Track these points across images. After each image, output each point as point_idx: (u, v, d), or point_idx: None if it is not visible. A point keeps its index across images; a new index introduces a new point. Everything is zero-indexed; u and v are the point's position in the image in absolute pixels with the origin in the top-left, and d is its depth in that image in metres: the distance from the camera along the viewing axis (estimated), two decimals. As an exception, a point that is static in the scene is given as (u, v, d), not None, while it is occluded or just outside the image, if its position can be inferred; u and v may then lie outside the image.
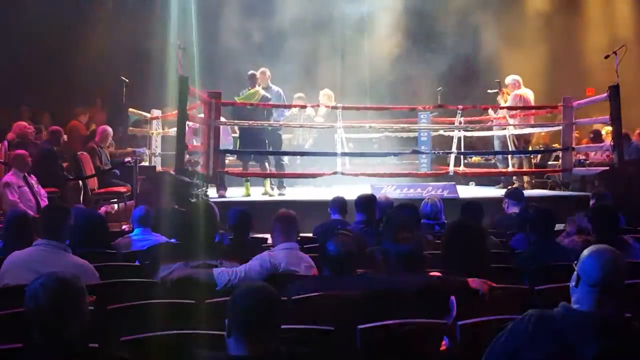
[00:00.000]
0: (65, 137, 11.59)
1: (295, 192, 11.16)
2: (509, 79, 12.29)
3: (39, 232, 4.82)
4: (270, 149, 11.02)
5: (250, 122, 10.75)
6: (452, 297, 4.09)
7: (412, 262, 4.24)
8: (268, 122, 11.00)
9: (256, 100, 10.85)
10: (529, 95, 12.06)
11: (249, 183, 11.02)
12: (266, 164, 11.16)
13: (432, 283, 4.18)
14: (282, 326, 2.83)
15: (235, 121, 11.07)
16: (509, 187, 10.63)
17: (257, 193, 11.08)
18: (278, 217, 5.00)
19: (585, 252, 2.88)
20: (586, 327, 2.73)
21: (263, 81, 11.31)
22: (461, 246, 4.54)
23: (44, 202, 8.62)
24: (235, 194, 10.99)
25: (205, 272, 4.45)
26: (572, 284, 2.87)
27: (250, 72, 11.37)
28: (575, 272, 2.87)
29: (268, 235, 6.67)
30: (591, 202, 7.79)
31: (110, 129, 11.42)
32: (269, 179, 11.04)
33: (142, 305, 3.84)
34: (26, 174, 8.68)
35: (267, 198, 10.66)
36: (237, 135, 11.47)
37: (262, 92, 10.99)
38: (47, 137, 10.55)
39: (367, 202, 6.89)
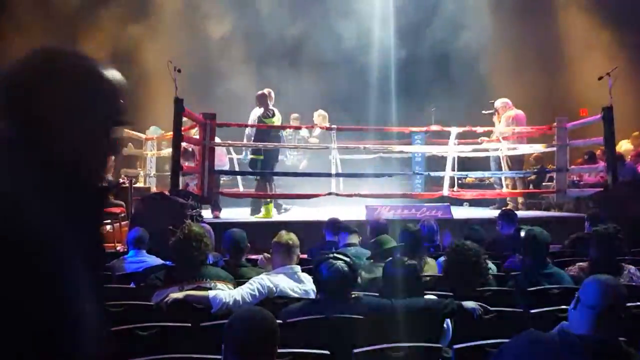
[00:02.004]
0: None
1: (290, 213, 11.15)
2: (498, 103, 12.36)
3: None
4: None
5: (244, 142, 10.79)
6: (448, 320, 4.10)
7: (408, 285, 4.24)
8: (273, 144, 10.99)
9: (277, 121, 10.90)
10: (521, 116, 12.12)
11: (271, 204, 10.84)
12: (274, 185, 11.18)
13: (428, 306, 4.18)
14: (278, 350, 2.82)
15: (229, 142, 11.06)
16: (503, 208, 10.65)
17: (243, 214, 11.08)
18: (278, 240, 4.97)
19: (589, 277, 2.91)
20: (581, 350, 2.74)
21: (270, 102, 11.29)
22: (461, 267, 4.57)
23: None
24: (236, 215, 10.97)
25: (200, 295, 4.44)
26: (571, 306, 2.88)
27: (260, 92, 11.21)
28: (575, 295, 2.88)
29: (260, 257, 6.68)
30: (586, 224, 7.81)
31: None
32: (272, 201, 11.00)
33: (137, 328, 3.83)
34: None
35: (264, 219, 10.62)
36: (256, 157, 11.17)
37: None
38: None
39: (352, 226, 6.92)
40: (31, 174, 1.42)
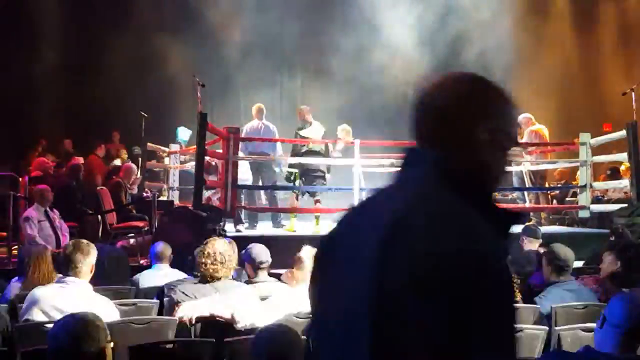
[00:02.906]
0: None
1: (311, 226, 11.11)
2: (520, 118, 12.30)
3: (61, 268, 4.84)
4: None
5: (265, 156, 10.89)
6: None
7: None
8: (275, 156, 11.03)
9: (318, 135, 10.93)
10: (544, 131, 12.07)
11: (295, 218, 11.00)
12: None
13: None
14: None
15: (253, 156, 11.10)
16: (526, 223, 10.58)
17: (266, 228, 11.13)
18: (302, 255, 4.98)
19: (616, 295, 2.89)
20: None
21: (256, 116, 11.46)
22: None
23: (65, 237, 8.67)
24: (258, 229, 11.04)
25: (224, 310, 4.44)
26: (597, 325, 2.86)
27: (303, 106, 11.46)
28: (601, 314, 2.86)
29: (283, 272, 6.68)
30: (610, 239, 7.75)
31: (134, 167, 11.51)
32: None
33: (162, 343, 3.85)
34: (48, 209, 8.74)
35: (288, 233, 10.64)
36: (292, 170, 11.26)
37: (322, 127, 11.09)
38: (67, 172, 10.62)
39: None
40: (466, 199, 1.49)
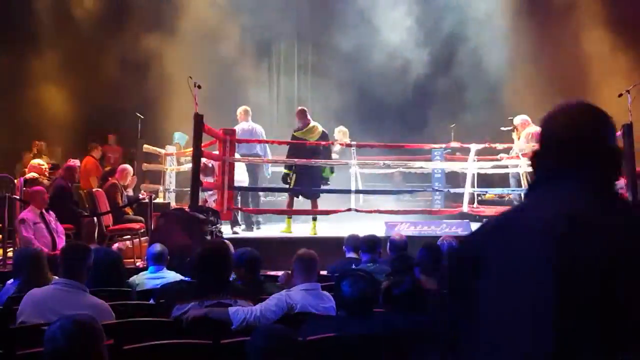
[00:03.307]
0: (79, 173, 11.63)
1: (307, 227, 11.11)
2: (517, 120, 12.31)
3: (56, 270, 4.82)
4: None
5: (257, 159, 10.90)
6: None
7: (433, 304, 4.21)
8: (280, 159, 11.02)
9: (315, 136, 10.89)
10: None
11: (291, 219, 11.00)
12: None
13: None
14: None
15: (249, 158, 11.09)
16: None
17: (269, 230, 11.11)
18: (298, 257, 4.97)
19: None
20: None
21: (244, 118, 11.45)
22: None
23: (61, 239, 8.65)
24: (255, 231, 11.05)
25: (220, 310, 4.43)
26: None
27: (300, 107, 11.43)
28: None
29: (280, 273, 6.66)
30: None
31: (130, 168, 11.47)
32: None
33: (158, 345, 3.83)
34: (43, 211, 8.70)
35: (284, 235, 10.63)
36: (287, 171, 11.21)
37: (321, 128, 11.01)
38: (62, 174, 10.57)
39: (371, 243, 6.87)
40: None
